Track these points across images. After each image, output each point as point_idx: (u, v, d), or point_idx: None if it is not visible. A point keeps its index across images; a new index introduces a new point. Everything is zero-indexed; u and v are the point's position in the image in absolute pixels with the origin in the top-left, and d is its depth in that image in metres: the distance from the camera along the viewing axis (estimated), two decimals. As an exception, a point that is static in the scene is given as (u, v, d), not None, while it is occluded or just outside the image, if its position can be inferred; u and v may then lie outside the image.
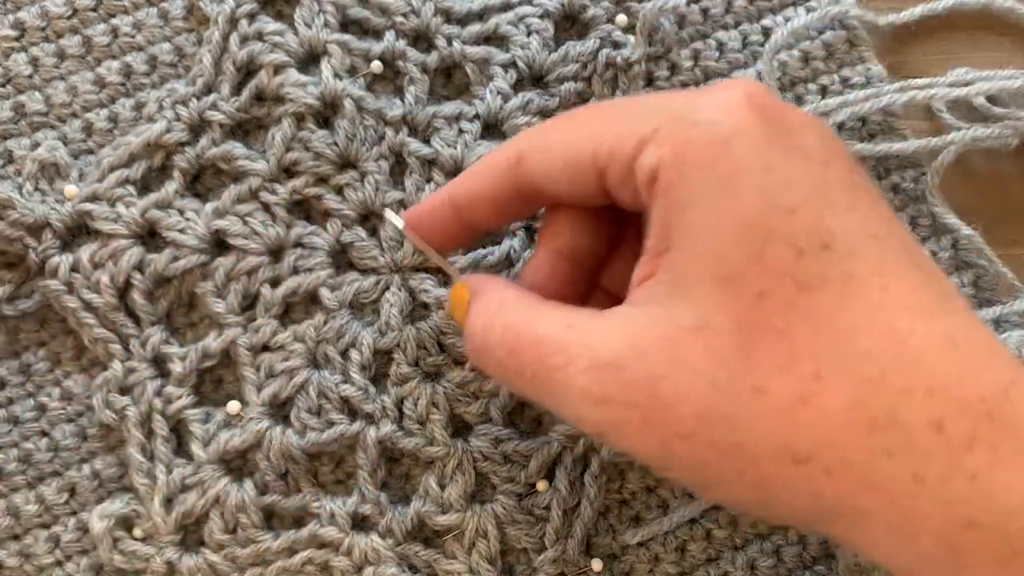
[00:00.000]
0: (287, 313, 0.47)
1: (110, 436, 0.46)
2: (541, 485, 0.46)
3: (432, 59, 0.48)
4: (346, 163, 0.47)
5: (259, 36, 0.47)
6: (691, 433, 0.30)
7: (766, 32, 0.49)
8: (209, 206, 0.46)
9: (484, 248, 0.47)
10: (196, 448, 0.45)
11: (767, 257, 0.30)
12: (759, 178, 0.30)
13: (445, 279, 0.47)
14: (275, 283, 0.46)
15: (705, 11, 0.50)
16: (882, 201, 0.34)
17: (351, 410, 0.46)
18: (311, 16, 0.48)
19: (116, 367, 0.46)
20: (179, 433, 0.46)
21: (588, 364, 0.32)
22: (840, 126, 0.49)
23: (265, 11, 0.48)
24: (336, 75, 0.47)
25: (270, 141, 0.47)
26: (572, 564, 0.46)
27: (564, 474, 0.46)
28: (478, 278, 0.40)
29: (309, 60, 0.48)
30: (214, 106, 0.47)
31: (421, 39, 0.48)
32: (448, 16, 0.48)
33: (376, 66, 0.48)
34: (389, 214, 0.45)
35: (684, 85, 0.49)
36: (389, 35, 0.48)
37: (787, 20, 0.49)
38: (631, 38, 0.48)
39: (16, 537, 0.46)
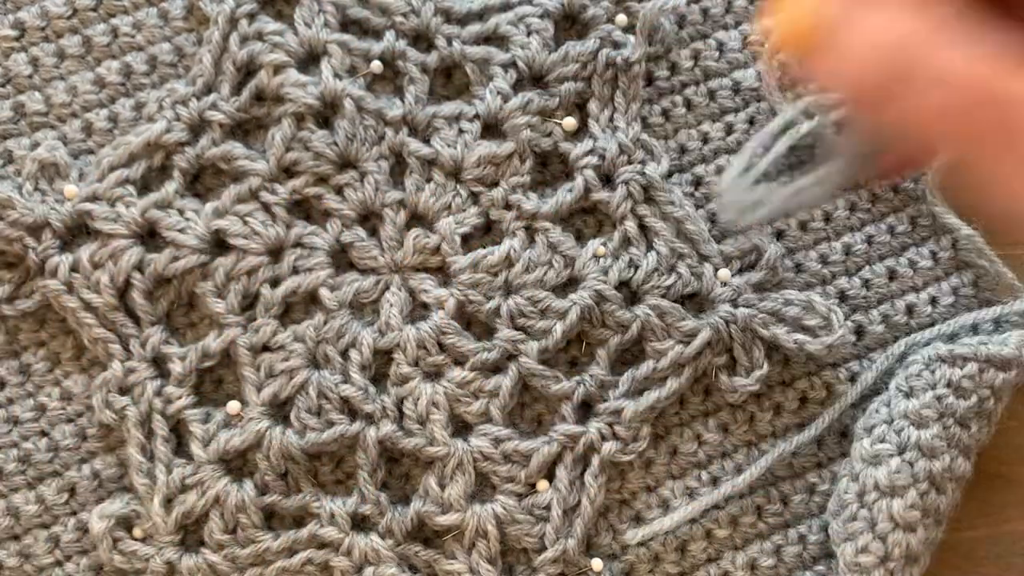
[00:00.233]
0: (287, 313, 0.47)
1: (110, 436, 0.46)
2: (541, 485, 0.46)
3: (432, 59, 0.48)
4: (346, 163, 0.47)
5: (259, 36, 0.47)
6: None
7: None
8: (209, 206, 0.46)
9: (484, 248, 0.47)
10: (196, 448, 0.45)
11: None
12: None
13: (445, 279, 0.47)
14: (275, 283, 0.46)
15: (705, 11, 0.50)
16: None
17: (351, 410, 0.46)
18: (311, 16, 0.48)
19: (116, 367, 0.46)
20: (179, 433, 0.46)
21: None
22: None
23: (265, 11, 0.48)
24: (336, 75, 0.47)
25: (270, 141, 0.47)
26: (572, 564, 0.45)
27: (564, 473, 0.46)
28: None
29: (309, 60, 0.48)
30: (214, 106, 0.47)
31: (421, 39, 0.48)
32: (448, 16, 0.48)
33: (376, 66, 0.48)
34: None
35: (684, 85, 0.49)
36: (389, 35, 0.48)
37: (787, 20, 0.49)
38: (631, 38, 0.48)
39: (16, 537, 0.46)
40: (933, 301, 0.48)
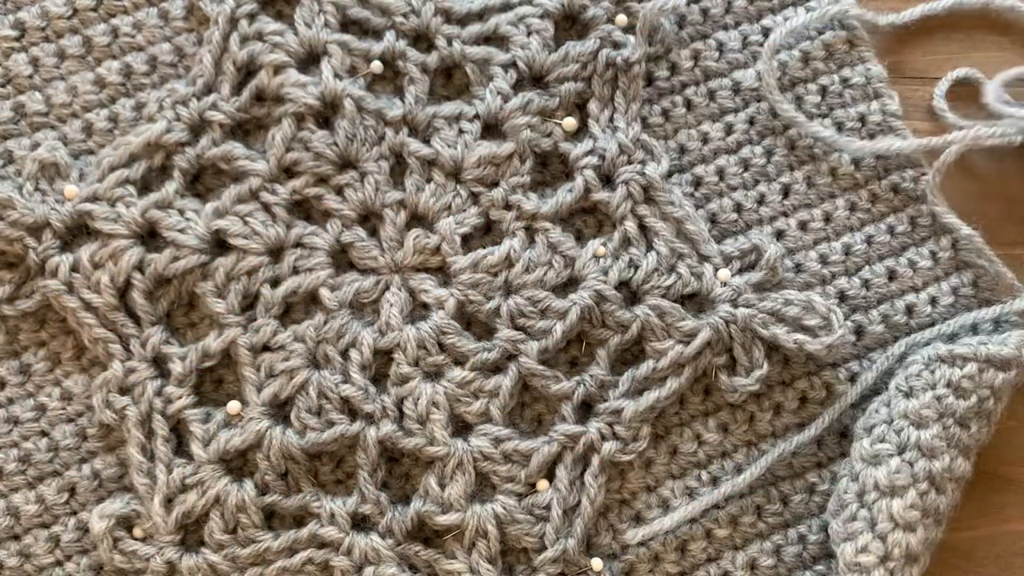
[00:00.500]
0: (287, 313, 0.47)
1: (110, 436, 0.46)
2: (541, 484, 0.46)
3: (432, 59, 0.48)
4: (346, 163, 0.47)
5: (259, 36, 0.47)
6: None
7: (766, 32, 0.49)
8: (209, 206, 0.46)
9: (484, 248, 0.47)
10: (196, 448, 0.45)
11: None
12: None
13: (445, 279, 0.47)
14: (275, 283, 0.46)
15: (705, 11, 0.50)
16: None
17: (351, 410, 0.46)
18: (311, 16, 0.48)
19: (116, 367, 0.46)
20: (179, 433, 0.46)
21: None
22: (840, 126, 0.49)
23: (265, 11, 0.48)
24: (336, 75, 0.47)
25: (270, 141, 0.47)
26: (572, 564, 0.45)
27: (564, 473, 0.46)
28: None
29: (309, 60, 0.48)
30: (214, 106, 0.47)
31: (421, 39, 0.48)
32: (448, 16, 0.48)
33: (376, 66, 0.48)
34: None
35: (684, 85, 0.49)
36: (389, 35, 0.48)
37: (787, 20, 0.49)
38: (631, 38, 0.48)
39: (16, 537, 0.46)
40: (933, 301, 0.48)
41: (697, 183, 0.49)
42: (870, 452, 0.44)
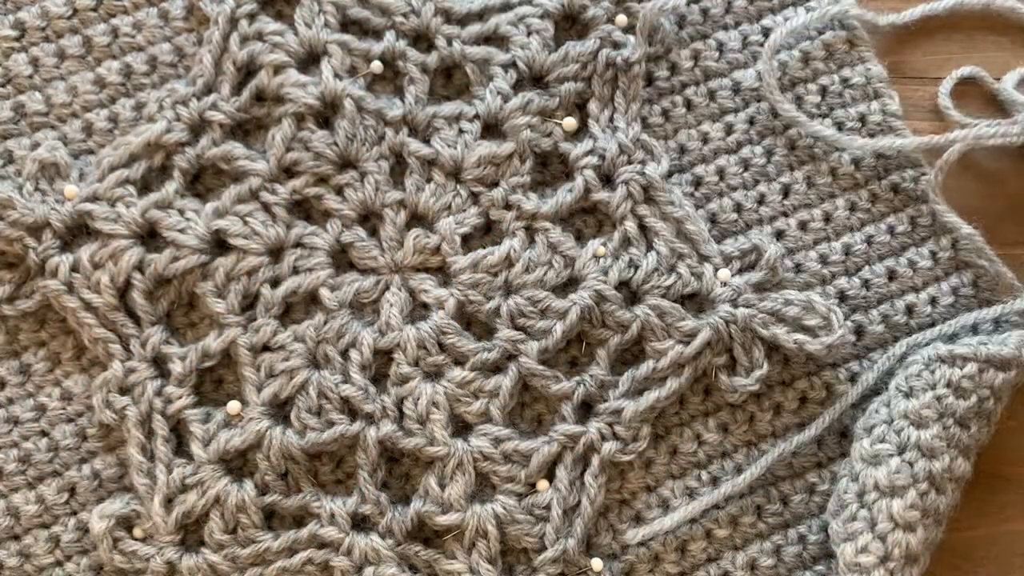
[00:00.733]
0: (287, 313, 0.47)
1: (110, 436, 0.46)
2: (541, 484, 0.46)
3: (432, 59, 0.48)
4: (346, 163, 0.47)
5: (259, 36, 0.47)
6: None
7: (766, 32, 0.49)
8: (209, 206, 0.46)
9: (484, 248, 0.47)
10: (196, 448, 0.45)
11: None
12: None
13: (445, 279, 0.47)
14: (275, 283, 0.46)
15: (705, 11, 0.50)
16: None
17: (351, 410, 0.46)
18: (311, 16, 0.48)
19: (116, 367, 0.46)
20: (179, 433, 0.46)
21: None
22: (840, 126, 0.49)
23: (265, 11, 0.48)
24: (336, 75, 0.47)
25: (270, 141, 0.47)
26: (572, 564, 0.46)
27: (564, 473, 0.46)
28: None
29: (309, 60, 0.48)
30: (214, 106, 0.47)
31: (421, 39, 0.48)
32: (448, 16, 0.48)
33: (376, 66, 0.48)
34: None
35: (684, 85, 0.49)
36: (389, 35, 0.48)
37: (787, 20, 0.49)
38: (631, 38, 0.48)
39: (16, 537, 0.46)
40: (933, 301, 0.48)
41: (697, 183, 0.49)
42: (870, 452, 0.44)
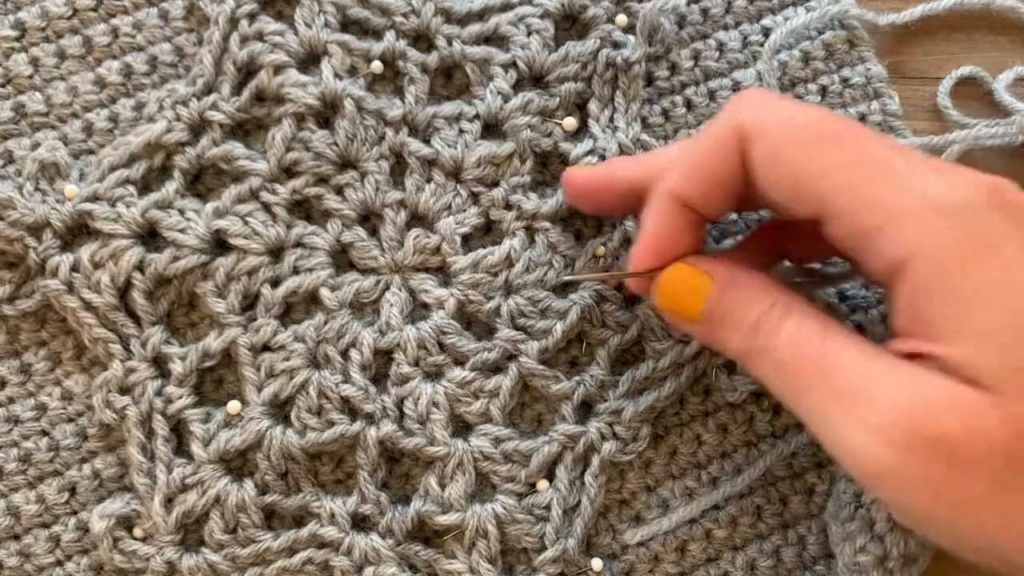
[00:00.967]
0: (287, 313, 0.47)
1: (110, 436, 0.46)
2: (541, 484, 0.46)
3: (432, 59, 0.48)
4: (346, 163, 0.47)
5: (259, 36, 0.47)
6: (983, 496, 0.32)
7: (766, 32, 0.50)
8: (209, 206, 0.47)
9: (484, 248, 0.47)
10: (196, 448, 0.45)
11: None
12: None
13: (445, 279, 0.47)
14: (275, 283, 0.46)
15: (705, 11, 0.50)
16: None
17: (351, 410, 0.46)
18: (311, 16, 0.48)
19: (116, 367, 0.46)
20: (179, 433, 0.46)
21: (884, 400, 0.33)
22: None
23: (265, 11, 0.48)
24: (336, 75, 0.47)
25: (270, 141, 0.47)
26: (572, 564, 0.46)
27: (564, 473, 0.46)
28: (718, 264, 0.39)
29: (309, 60, 0.48)
30: (214, 106, 0.47)
31: (421, 39, 0.48)
32: (448, 16, 0.48)
33: (376, 66, 0.48)
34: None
35: (684, 85, 0.49)
36: (389, 35, 0.48)
37: (787, 20, 0.49)
38: (631, 38, 0.48)
39: (16, 537, 0.46)
40: (933, 301, 0.48)
41: (697, 183, 0.49)
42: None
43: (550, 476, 0.46)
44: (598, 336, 0.47)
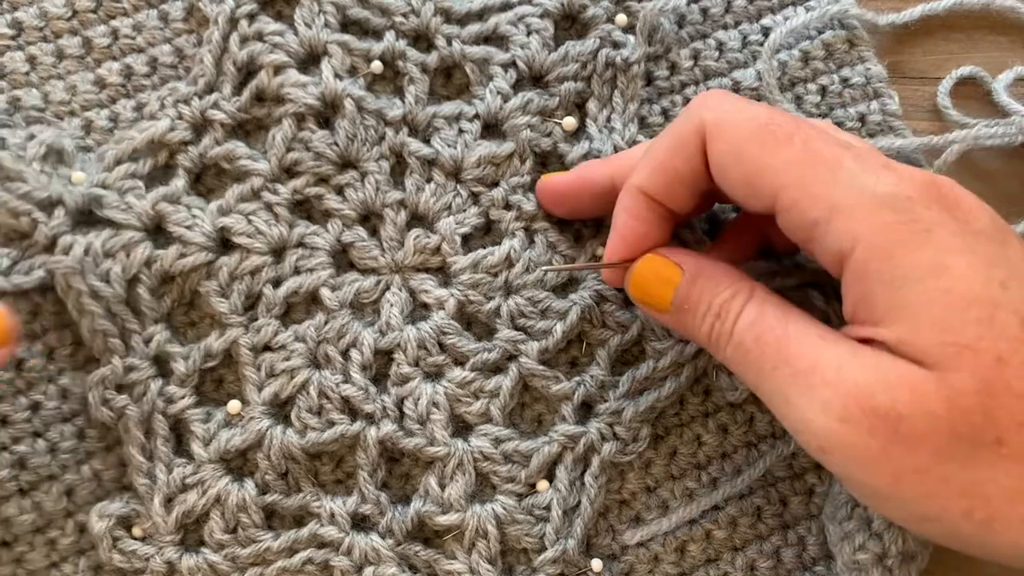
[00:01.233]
0: (288, 313, 0.47)
1: (108, 435, 0.46)
2: (541, 485, 0.46)
3: (432, 59, 0.48)
4: (346, 163, 0.47)
5: (259, 36, 0.47)
6: (926, 468, 0.33)
7: (766, 32, 0.50)
8: (214, 204, 0.46)
9: (484, 248, 0.47)
10: (197, 447, 0.45)
11: (998, 325, 0.33)
12: (968, 259, 0.34)
13: (446, 279, 0.47)
14: (277, 283, 0.46)
15: (705, 11, 0.50)
16: None
17: (351, 410, 0.46)
18: (311, 16, 0.48)
19: (115, 363, 0.45)
20: (179, 432, 0.46)
21: (837, 379, 0.35)
22: (839, 126, 0.49)
23: (265, 11, 0.48)
24: (336, 75, 0.47)
25: (271, 141, 0.47)
26: (572, 564, 0.46)
27: (565, 474, 0.46)
28: (688, 255, 0.41)
29: (309, 60, 0.48)
30: (216, 105, 0.47)
31: (421, 39, 0.48)
32: (448, 16, 0.48)
33: (376, 66, 0.48)
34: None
35: (684, 85, 0.49)
36: (389, 35, 0.48)
37: (787, 20, 0.49)
38: (631, 38, 0.48)
39: (15, 537, 0.46)
40: (932, 301, 0.48)
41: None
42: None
43: (550, 476, 0.46)
44: (598, 336, 0.47)
